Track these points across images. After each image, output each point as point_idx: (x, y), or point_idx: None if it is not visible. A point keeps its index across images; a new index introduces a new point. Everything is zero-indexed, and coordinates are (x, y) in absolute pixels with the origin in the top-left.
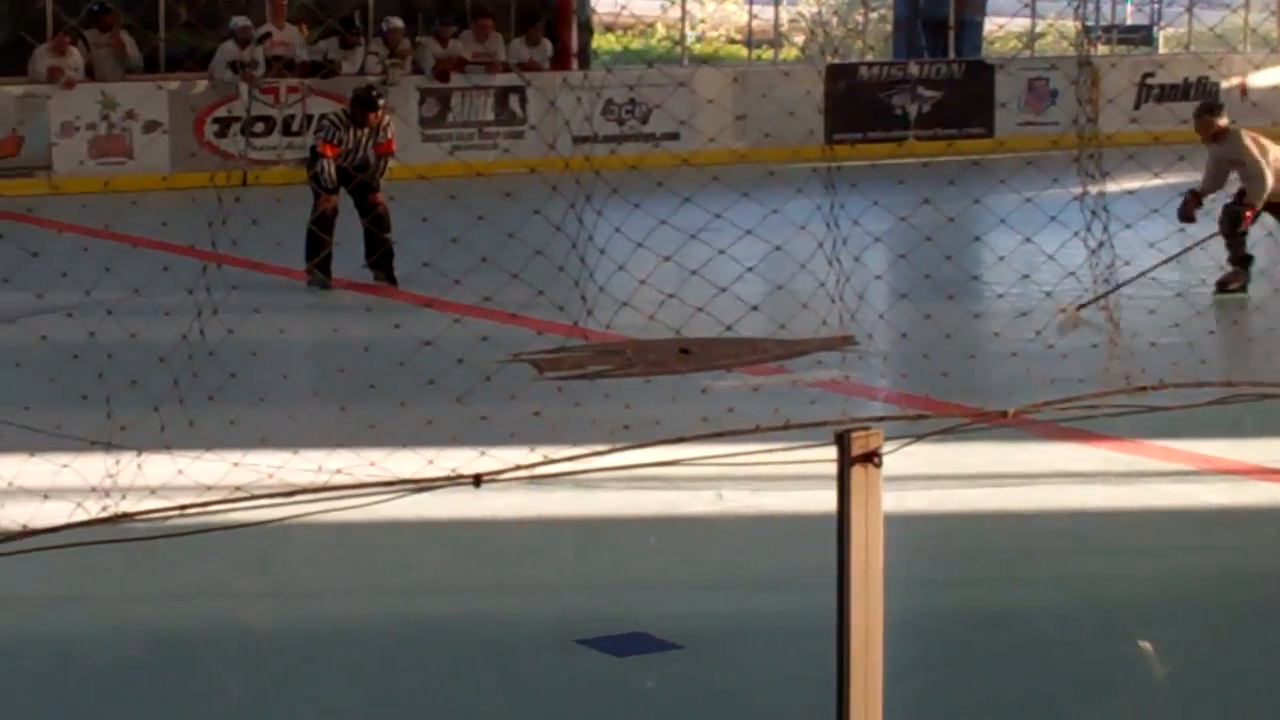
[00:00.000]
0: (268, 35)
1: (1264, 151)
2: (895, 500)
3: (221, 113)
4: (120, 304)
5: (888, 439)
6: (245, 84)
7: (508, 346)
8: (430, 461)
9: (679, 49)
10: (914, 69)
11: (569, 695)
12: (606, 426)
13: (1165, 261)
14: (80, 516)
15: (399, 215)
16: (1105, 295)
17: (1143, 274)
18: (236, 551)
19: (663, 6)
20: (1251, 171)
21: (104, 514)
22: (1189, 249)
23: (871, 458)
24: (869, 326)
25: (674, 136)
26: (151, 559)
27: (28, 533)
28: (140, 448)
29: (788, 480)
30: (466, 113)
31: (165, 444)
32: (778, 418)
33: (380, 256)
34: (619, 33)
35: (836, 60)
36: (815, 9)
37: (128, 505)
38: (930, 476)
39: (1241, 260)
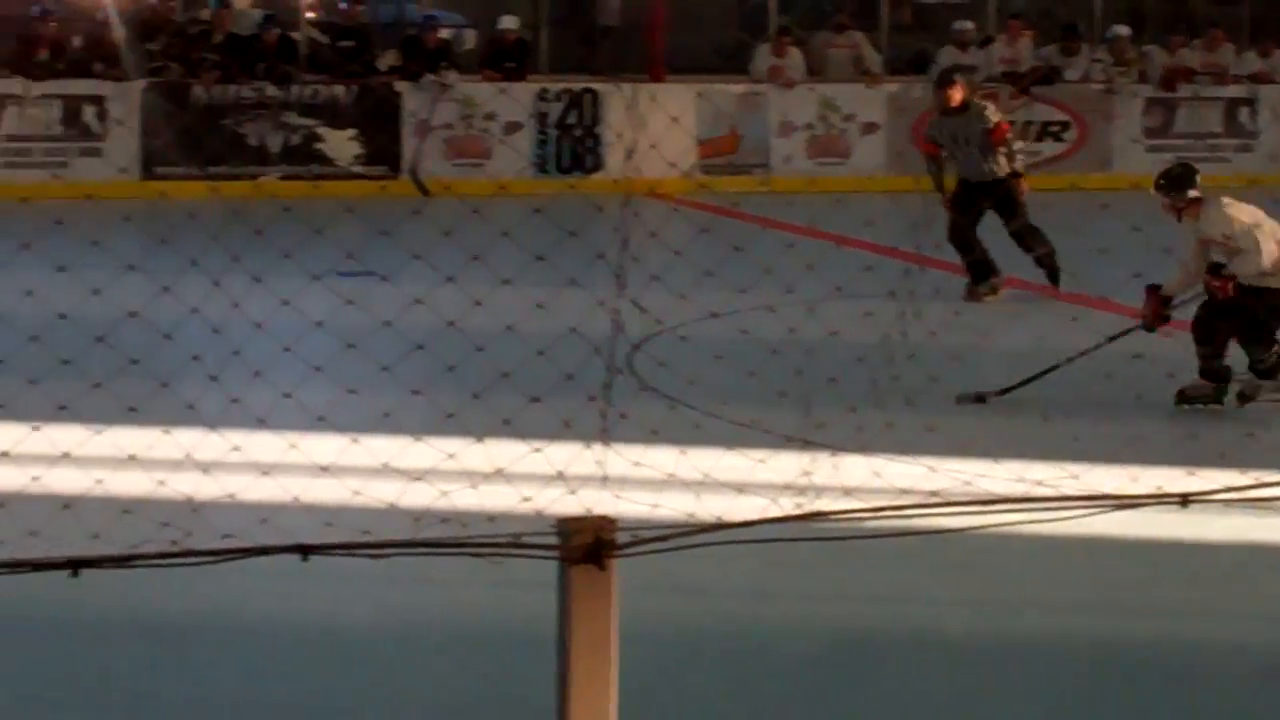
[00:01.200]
0: (990, 39)
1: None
2: None
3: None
4: (822, 302)
5: None
6: None
7: None
8: (1134, 478)
9: None
10: None
11: None
12: None
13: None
14: (774, 512)
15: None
16: (1027, 382)
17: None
18: (932, 558)
19: None
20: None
21: (798, 511)
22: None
23: None
24: None
25: None
26: (844, 560)
27: (722, 525)
28: (835, 447)
29: None
30: (1193, 124)
31: (861, 445)
32: None
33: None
34: None
35: None
36: None
37: (822, 504)
38: None
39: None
